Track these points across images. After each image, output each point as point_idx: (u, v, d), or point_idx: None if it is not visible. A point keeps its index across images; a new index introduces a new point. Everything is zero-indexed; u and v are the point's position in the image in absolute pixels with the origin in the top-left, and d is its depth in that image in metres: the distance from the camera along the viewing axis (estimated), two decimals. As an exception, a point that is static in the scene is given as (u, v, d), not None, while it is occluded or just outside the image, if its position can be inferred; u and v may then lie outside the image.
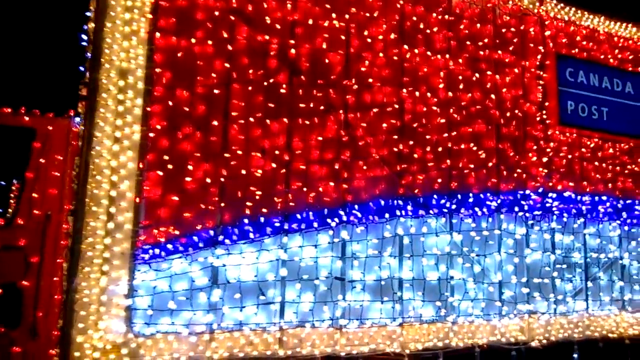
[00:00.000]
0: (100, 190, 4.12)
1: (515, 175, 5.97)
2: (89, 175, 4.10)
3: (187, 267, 4.33)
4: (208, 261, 4.41)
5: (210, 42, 4.64)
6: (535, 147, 6.18)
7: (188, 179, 4.41)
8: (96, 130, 4.17)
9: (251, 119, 4.72)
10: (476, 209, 5.66)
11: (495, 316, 5.58)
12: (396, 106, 5.41)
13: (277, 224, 4.69)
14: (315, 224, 4.84)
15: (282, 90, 4.89)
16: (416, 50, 5.60)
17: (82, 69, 4.36)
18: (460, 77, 5.81)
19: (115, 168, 4.18)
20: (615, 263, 6.56)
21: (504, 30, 6.19)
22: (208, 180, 4.48)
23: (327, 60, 5.14)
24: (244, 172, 4.62)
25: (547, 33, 6.51)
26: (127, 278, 4.11)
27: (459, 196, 5.58)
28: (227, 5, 4.76)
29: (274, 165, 4.75)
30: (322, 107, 5.04)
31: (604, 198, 6.56)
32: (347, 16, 5.29)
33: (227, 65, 4.68)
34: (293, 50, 4.98)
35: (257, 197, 4.63)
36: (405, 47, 5.54)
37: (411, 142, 5.43)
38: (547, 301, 5.94)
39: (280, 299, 4.64)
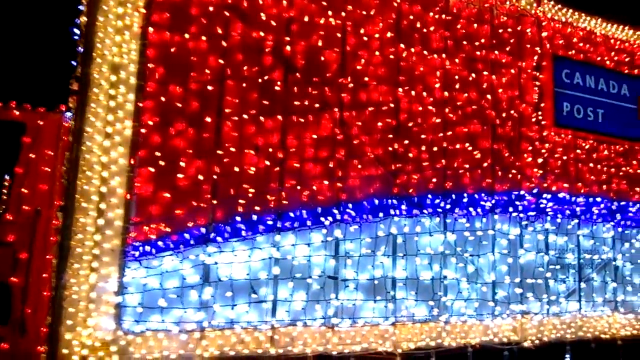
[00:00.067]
0: (91, 187, 4.08)
1: (510, 175, 5.97)
2: (79, 171, 4.06)
3: (178, 264, 4.29)
4: (199, 259, 4.37)
5: (204, 38, 4.60)
6: (530, 148, 6.17)
7: (180, 175, 4.38)
8: (87, 126, 4.12)
9: (245, 116, 4.68)
10: (470, 209, 5.66)
11: (488, 316, 5.58)
12: (392, 105, 5.39)
13: (270, 222, 4.66)
14: (309, 223, 4.81)
15: (277, 88, 4.85)
16: (412, 49, 5.57)
17: (74, 63, 4.31)
18: (456, 77, 5.79)
19: (106, 164, 4.13)
20: (609, 264, 6.58)
21: (500, 30, 6.17)
22: (200, 177, 4.44)
23: (322, 58, 5.11)
24: (237, 169, 4.59)
25: (544, 34, 6.50)
26: (117, 275, 4.07)
27: (454, 196, 5.57)
28: (221, 1, 4.72)
29: (267, 162, 4.72)
30: (317, 105, 5.01)
31: (598, 199, 6.57)
32: (343, 14, 5.25)
33: (221, 61, 4.64)
34: (288, 48, 4.94)
35: (250, 195, 4.59)
36: (402, 46, 5.51)
37: (406, 142, 5.40)
38: (540, 302, 5.94)
39: (273, 297, 4.61)
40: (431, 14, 5.75)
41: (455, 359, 5.37)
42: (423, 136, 5.52)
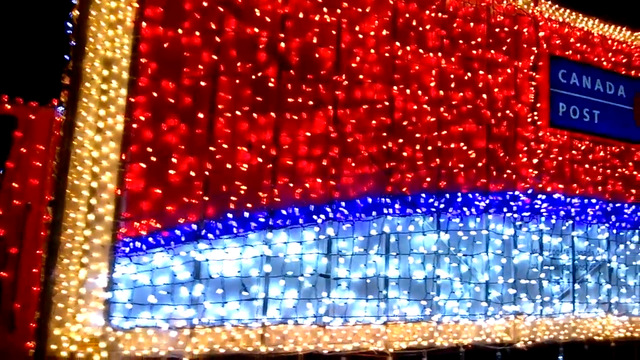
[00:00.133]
0: (81, 182, 4.06)
1: (505, 176, 5.95)
2: (70, 165, 4.04)
3: (168, 261, 4.27)
4: (190, 255, 4.35)
5: (197, 33, 4.57)
6: (525, 148, 6.15)
7: (172, 171, 4.35)
8: (78, 120, 4.10)
9: (238, 113, 4.66)
10: (464, 208, 5.64)
11: (481, 316, 5.57)
12: (386, 103, 5.37)
13: (262, 220, 4.64)
14: (301, 220, 4.79)
15: (271, 84, 4.83)
16: (408, 48, 5.55)
17: (66, 57, 4.28)
18: (452, 76, 5.76)
19: (97, 159, 4.11)
20: (603, 266, 6.57)
21: (497, 30, 6.15)
22: (192, 173, 4.42)
23: (317, 55, 5.08)
24: (229, 166, 4.57)
25: (541, 34, 6.48)
26: (106, 271, 4.04)
27: (448, 195, 5.55)
28: (216, -4, 4.69)
29: (260, 160, 4.70)
30: (311, 103, 4.99)
31: (594, 201, 6.55)
32: (338, 11, 5.23)
33: (214, 57, 4.61)
34: (283, 44, 4.92)
35: (242, 192, 4.57)
36: (397, 44, 5.49)
37: (401, 140, 5.38)
38: (533, 302, 5.93)
39: (264, 295, 4.59)
40: (427, 12, 5.72)
41: (447, 359, 5.36)
42: (417, 135, 5.50)
